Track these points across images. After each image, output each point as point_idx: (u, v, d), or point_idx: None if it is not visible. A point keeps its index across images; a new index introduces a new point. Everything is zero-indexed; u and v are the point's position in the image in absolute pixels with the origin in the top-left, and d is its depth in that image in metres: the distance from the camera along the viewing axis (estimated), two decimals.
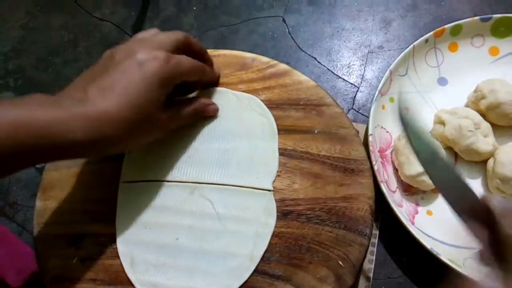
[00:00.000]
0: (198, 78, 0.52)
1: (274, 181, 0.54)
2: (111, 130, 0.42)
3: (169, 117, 0.49)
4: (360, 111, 0.67)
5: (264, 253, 0.50)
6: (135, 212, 0.53)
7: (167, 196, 0.54)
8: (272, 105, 0.59)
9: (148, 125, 0.46)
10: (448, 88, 0.66)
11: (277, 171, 0.54)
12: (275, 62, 0.62)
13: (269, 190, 0.53)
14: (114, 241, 0.52)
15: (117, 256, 0.52)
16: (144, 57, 0.45)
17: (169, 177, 0.55)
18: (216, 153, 0.55)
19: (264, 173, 0.54)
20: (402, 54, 0.63)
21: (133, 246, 0.51)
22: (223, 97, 0.59)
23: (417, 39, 0.64)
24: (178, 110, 0.51)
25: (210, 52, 0.64)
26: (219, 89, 0.60)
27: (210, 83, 0.58)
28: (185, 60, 0.49)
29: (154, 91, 0.45)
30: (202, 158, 0.55)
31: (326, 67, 0.71)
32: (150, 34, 0.49)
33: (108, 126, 0.42)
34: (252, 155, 0.55)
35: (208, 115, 0.56)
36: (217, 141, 0.56)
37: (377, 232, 0.57)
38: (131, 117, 0.43)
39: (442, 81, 0.66)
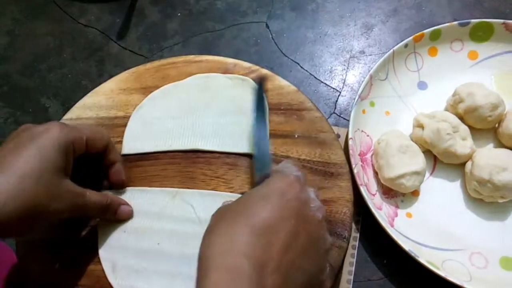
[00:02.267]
0: (102, 146, 0.51)
1: None
2: None
3: (74, 190, 0.45)
4: (341, 115, 0.68)
5: None
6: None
7: (148, 202, 0.55)
8: None
9: (48, 192, 0.42)
10: (428, 92, 0.66)
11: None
12: (257, 67, 0.63)
13: None
14: (96, 247, 0.53)
15: (99, 262, 0.52)
16: (38, 128, 0.45)
17: (168, 147, 0.58)
18: (211, 126, 0.59)
19: None
20: (382, 58, 0.64)
21: (114, 251, 0.52)
22: (216, 80, 0.63)
23: (398, 44, 0.65)
24: (86, 191, 0.47)
25: (193, 57, 0.66)
26: (212, 74, 0.63)
27: (116, 172, 0.54)
28: (83, 126, 0.50)
29: (53, 157, 0.43)
30: (198, 130, 0.59)
31: (308, 72, 0.72)
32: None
33: None
34: (244, 128, 0.58)
35: (118, 216, 0.52)
36: (212, 116, 0.60)
37: (358, 235, 0.58)
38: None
39: (422, 85, 0.67)
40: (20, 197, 0.40)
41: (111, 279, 0.51)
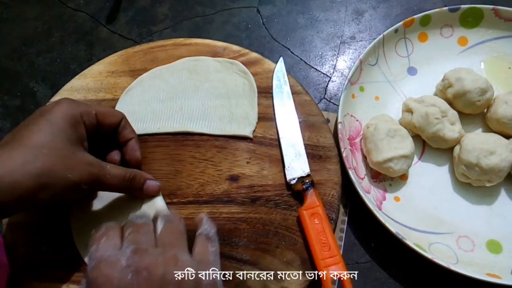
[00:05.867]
0: (114, 121, 0.51)
1: (254, 130, 0.57)
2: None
3: (91, 161, 0.45)
4: (331, 101, 0.68)
5: (232, 238, 0.51)
6: (87, 206, 0.53)
7: (122, 195, 0.54)
8: None
9: (63, 161, 0.42)
10: (418, 78, 0.66)
11: (256, 122, 0.58)
12: (246, 50, 0.63)
13: (249, 138, 0.57)
14: None
15: None
16: (48, 105, 0.46)
17: (156, 130, 0.58)
18: (199, 109, 0.59)
19: (245, 124, 0.57)
20: (372, 43, 0.64)
21: (88, 238, 0.52)
22: (205, 63, 0.63)
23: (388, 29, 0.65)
24: (107, 164, 0.47)
25: (182, 40, 0.65)
26: (202, 57, 0.63)
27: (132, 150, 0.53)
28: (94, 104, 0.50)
29: (64, 129, 0.44)
30: (187, 113, 0.59)
31: (299, 57, 0.72)
32: None
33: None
34: (233, 111, 0.58)
35: (146, 192, 0.51)
36: (201, 99, 0.60)
37: (346, 218, 0.58)
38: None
39: (411, 71, 0.67)
40: (35, 163, 0.40)
41: (86, 259, 0.51)
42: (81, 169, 0.43)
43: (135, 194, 0.51)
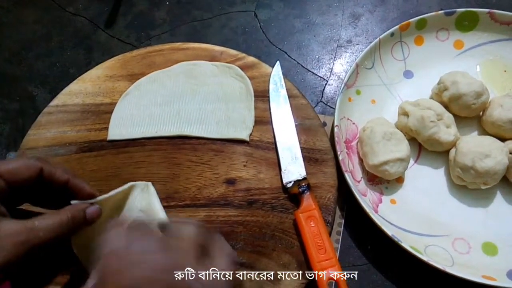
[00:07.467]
0: (31, 172, 0.43)
1: (250, 134, 0.58)
2: None
3: (13, 229, 0.38)
4: (328, 104, 0.68)
5: (229, 241, 0.51)
6: None
7: (117, 197, 0.54)
8: None
9: None
10: (414, 81, 0.67)
11: (253, 126, 0.59)
12: (243, 55, 0.64)
13: (246, 141, 0.58)
14: None
15: None
16: None
17: (154, 133, 0.59)
18: (197, 113, 0.60)
19: (241, 128, 0.58)
20: (368, 47, 0.64)
21: (85, 241, 0.51)
22: (203, 67, 0.64)
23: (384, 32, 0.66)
24: (34, 220, 0.39)
25: (179, 45, 0.66)
26: (199, 61, 0.64)
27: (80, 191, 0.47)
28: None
29: None
30: (184, 117, 0.60)
31: (296, 61, 0.73)
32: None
33: None
34: (230, 114, 0.59)
35: (90, 220, 0.44)
36: (198, 103, 0.61)
37: (343, 221, 0.58)
38: None
39: (408, 74, 0.67)
40: None
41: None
42: (3, 245, 0.37)
43: (80, 228, 0.44)
